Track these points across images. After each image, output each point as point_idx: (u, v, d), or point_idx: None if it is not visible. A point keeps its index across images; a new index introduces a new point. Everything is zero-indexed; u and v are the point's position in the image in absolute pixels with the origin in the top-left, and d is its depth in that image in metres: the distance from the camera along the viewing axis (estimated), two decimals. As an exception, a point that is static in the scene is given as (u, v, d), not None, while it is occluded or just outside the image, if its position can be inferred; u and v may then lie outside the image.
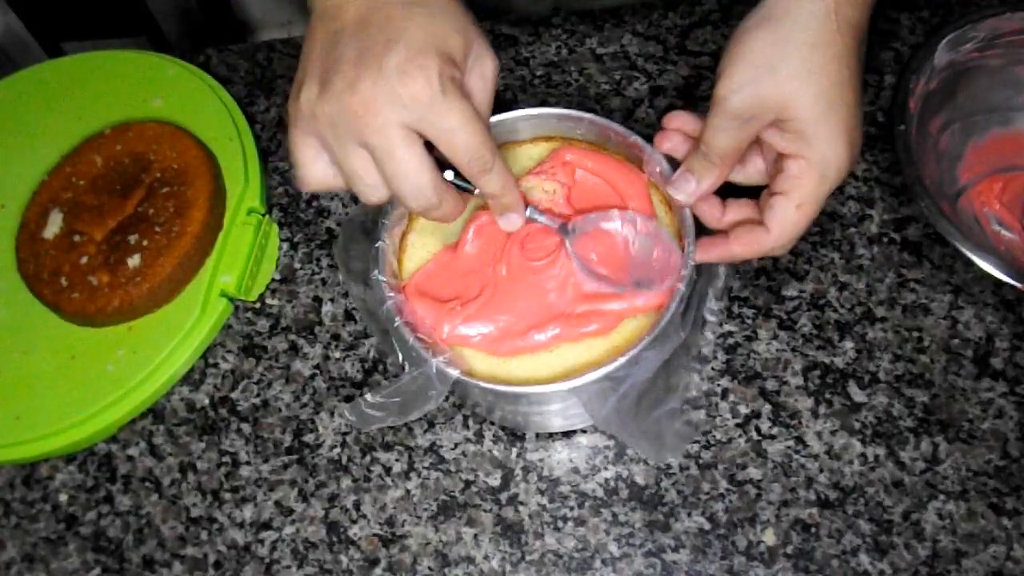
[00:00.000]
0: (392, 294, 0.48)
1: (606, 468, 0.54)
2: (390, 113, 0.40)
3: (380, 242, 0.50)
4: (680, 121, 0.49)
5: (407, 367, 0.48)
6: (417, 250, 0.52)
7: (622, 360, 0.44)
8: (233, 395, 0.59)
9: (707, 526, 0.52)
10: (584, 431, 0.55)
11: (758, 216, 0.47)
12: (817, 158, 0.44)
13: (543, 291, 0.49)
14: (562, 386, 0.44)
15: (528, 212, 0.49)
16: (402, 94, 0.40)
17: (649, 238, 0.49)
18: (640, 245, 0.49)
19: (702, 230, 0.48)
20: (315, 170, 0.44)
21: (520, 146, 0.55)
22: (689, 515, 0.52)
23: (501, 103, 0.66)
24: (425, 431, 0.56)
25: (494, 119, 0.52)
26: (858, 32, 0.44)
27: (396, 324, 0.47)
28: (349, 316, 0.60)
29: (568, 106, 0.66)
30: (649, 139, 0.51)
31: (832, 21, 0.43)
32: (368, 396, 0.48)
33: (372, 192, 0.43)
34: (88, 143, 0.65)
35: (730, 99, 0.43)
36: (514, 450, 0.55)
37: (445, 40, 0.42)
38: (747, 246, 0.46)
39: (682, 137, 0.49)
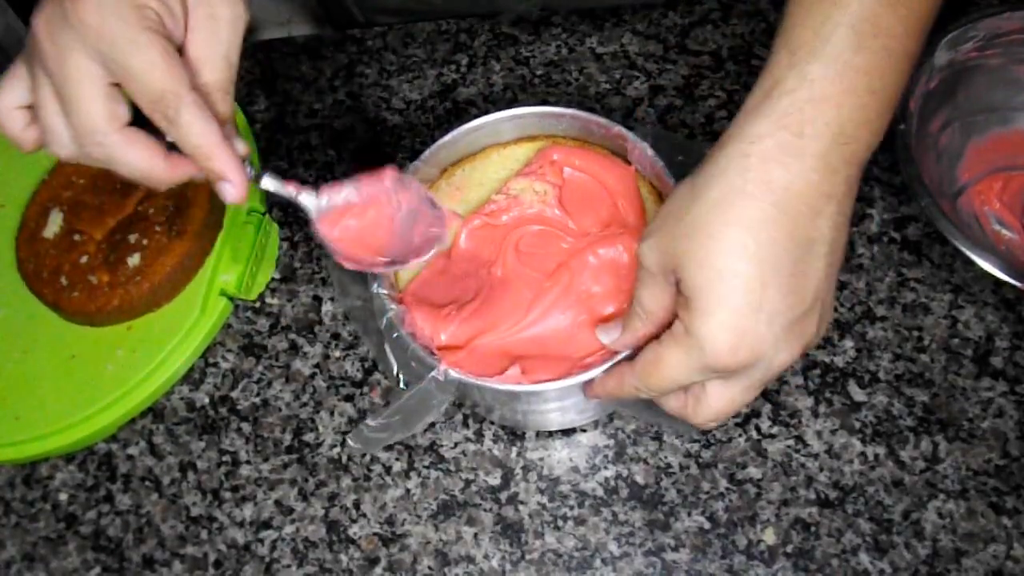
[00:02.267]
0: (393, 306, 0.47)
1: (606, 467, 0.54)
2: (65, 39, 0.36)
3: None
4: None
5: (402, 381, 0.47)
6: None
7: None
8: (233, 394, 0.59)
9: (707, 525, 0.52)
10: (583, 430, 0.55)
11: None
12: (693, 330, 0.37)
13: (540, 291, 0.49)
14: (572, 381, 0.44)
15: (264, 181, 0.43)
16: (72, 18, 0.36)
17: (413, 210, 0.45)
18: (403, 218, 0.46)
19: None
20: (6, 98, 0.40)
21: (505, 147, 0.54)
22: (689, 514, 0.52)
23: (501, 103, 0.67)
24: (425, 431, 0.56)
25: (476, 122, 0.52)
26: (795, 199, 0.36)
27: (396, 335, 0.46)
28: (349, 316, 0.60)
29: (568, 105, 0.66)
30: (631, 129, 0.51)
31: (748, 179, 0.36)
32: (369, 421, 0.47)
33: (57, 141, 0.39)
34: (88, 142, 0.65)
35: (640, 248, 0.39)
36: (514, 449, 0.55)
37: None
38: (615, 378, 0.42)
39: None
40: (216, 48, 0.39)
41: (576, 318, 0.48)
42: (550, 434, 0.55)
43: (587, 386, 0.44)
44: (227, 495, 0.56)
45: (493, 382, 0.45)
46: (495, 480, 0.54)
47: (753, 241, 0.35)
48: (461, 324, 0.48)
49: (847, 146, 0.36)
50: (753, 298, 0.35)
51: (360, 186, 0.44)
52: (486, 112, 0.68)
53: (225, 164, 0.39)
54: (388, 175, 0.45)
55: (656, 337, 0.40)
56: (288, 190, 0.43)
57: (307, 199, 0.44)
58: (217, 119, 0.39)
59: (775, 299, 0.36)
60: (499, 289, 0.49)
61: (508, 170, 0.54)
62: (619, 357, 0.44)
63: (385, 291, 0.47)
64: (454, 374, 0.45)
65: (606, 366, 0.44)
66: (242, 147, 0.41)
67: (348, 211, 0.44)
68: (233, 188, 0.40)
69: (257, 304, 0.62)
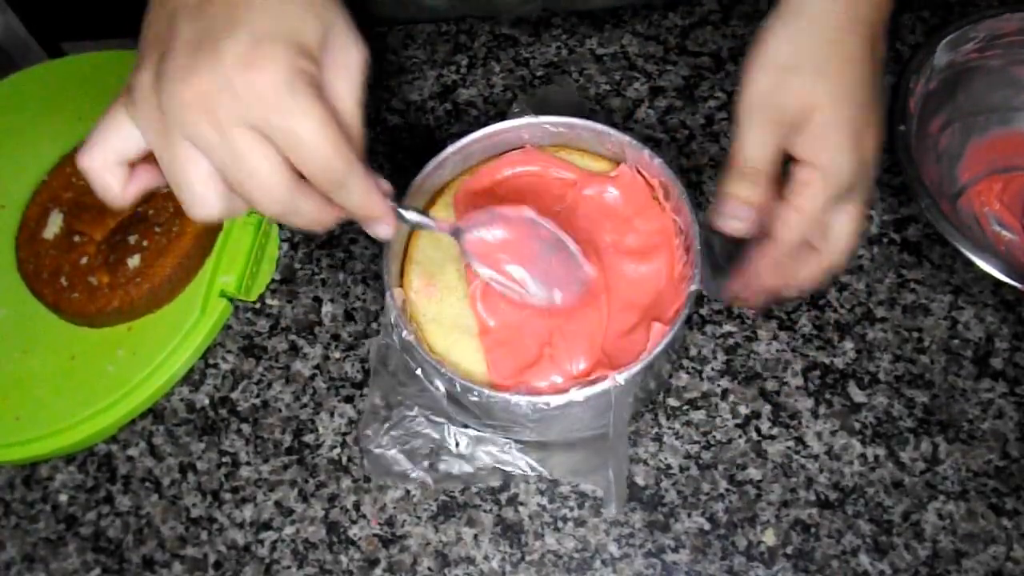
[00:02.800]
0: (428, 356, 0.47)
1: (606, 468, 0.54)
2: (230, 111, 0.34)
3: (391, 296, 0.49)
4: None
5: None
6: (422, 298, 0.52)
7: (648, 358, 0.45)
8: (233, 395, 0.59)
9: (707, 526, 0.52)
10: (584, 431, 0.55)
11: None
12: (824, 161, 0.42)
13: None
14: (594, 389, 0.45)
15: (413, 218, 0.44)
16: (242, 91, 0.34)
17: (550, 243, 0.48)
18: (541, 246, 0.48)
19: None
20: (105, 153, 0.38)
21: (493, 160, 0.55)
22: (689, 515, 0.52)
23: (502, 104, 0.67)
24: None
25: (471, 137, 0.52)
26: (875, 30, 0.43)
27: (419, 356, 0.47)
28: (349, 316, 0.60)
29: (571, 103, 0.66)
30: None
31: (846, 19, 0.42)
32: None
33: (202, 205, 0.37)
34: (88, 143, 0.65)
35: (758, 105, 0.43)
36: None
37: (298, 26, 0.36)
38: (766, 268, 0.45)
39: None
40: (352, 95, 0.39)
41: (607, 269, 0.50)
42: (550, 435, 0.55)
43: (729, 287, 0.47)
44: (227, 496, 0.56)
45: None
46: (495, 481, 0.54)
47: (862, 72, 0.42)
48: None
49: (872, 19, 0.43)
50: (866, 119, 0.43)
51: (501, 213, 0.47)
52: (486, 113, 0.68)
53: (380, 209, 0.40)
54: (526, 208, 0.47)
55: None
56: (428, 222, 0.45)
57: (453, 231, 0.46)
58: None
59: (874, 117, 0.43)
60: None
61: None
62: (651, 357, 0.45)
63: (410, 339, 0.47)
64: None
65: (639, 366, 0.45)
66: (386, 186, 0.42)
67: (495, 243, 0.47)
68: (387, 227, 0.42)
69: (257, 305, 0.62)
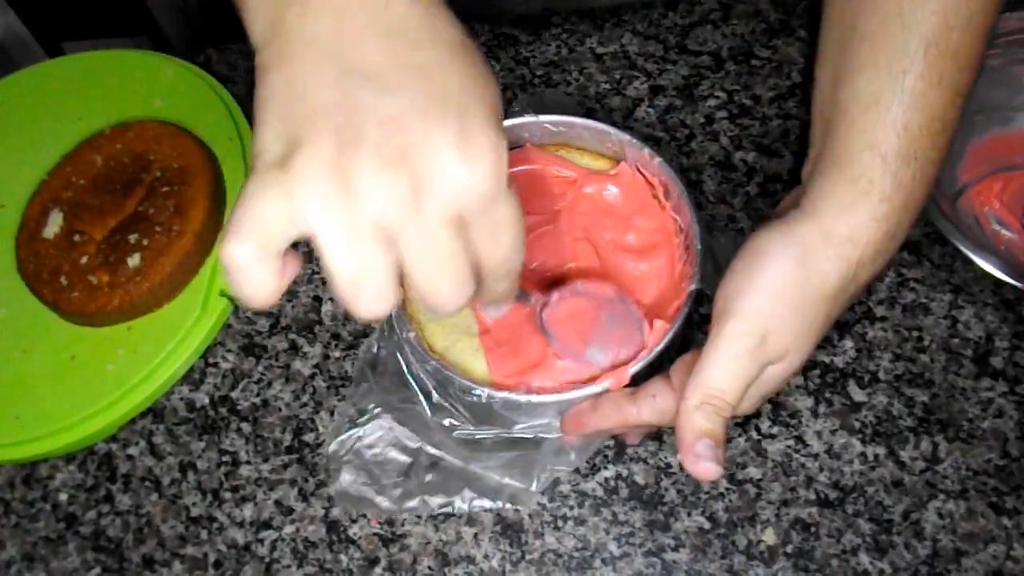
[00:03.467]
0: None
1: (606, 467, 0.54)
2: (442, 205, 0.30)
3: (407, 335, 0.49)
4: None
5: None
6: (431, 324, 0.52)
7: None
8: (233, 394, 0.59)
9: (707, 525, 0.52)
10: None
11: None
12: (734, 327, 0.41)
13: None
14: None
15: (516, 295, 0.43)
16: (465, 180, 0.30)
17: (619, 317, 0.49)
18: (608, 318, 0.49)
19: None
20: (258, 242, 0.30)
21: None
22: (689, 514, 0.52)
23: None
24: (425, 430, 0.56)
25: None
26: (847, 292, 0.42)
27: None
28: (349, 315, 0.60)
29: (568, 106, 0.66)
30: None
31: (857, 287, 0.42)
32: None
33: (375, 303, 0.32)
34: (88, 143, 0.65)
35: (742, 330, 0.41)
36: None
37: (498, 101, 0.32)
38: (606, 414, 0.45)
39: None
40: None
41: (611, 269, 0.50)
42: (550, 434, 0.55)
43: (568, 423, 0.46)
44: (227, 495, 0.56)
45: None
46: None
47: (822, 317, 0.41)
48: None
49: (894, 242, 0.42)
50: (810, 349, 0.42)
51: (585, 289, 0.49)
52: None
53: (512, 292, 0.38)
54: (609, 287, 0.49)
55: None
56: (527, 299, 0.47)
57: (540, 306, 0.48)
58: None
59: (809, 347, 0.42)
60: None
61: None
62: (600, 388, 0.45)
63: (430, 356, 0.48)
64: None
65: (641, 364, 0.45)
66: None
67: (568, 314, 0.49)
68: (506, 307, 0.42)
69: (257, 304, 0.62)
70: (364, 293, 0.31)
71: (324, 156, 0.30)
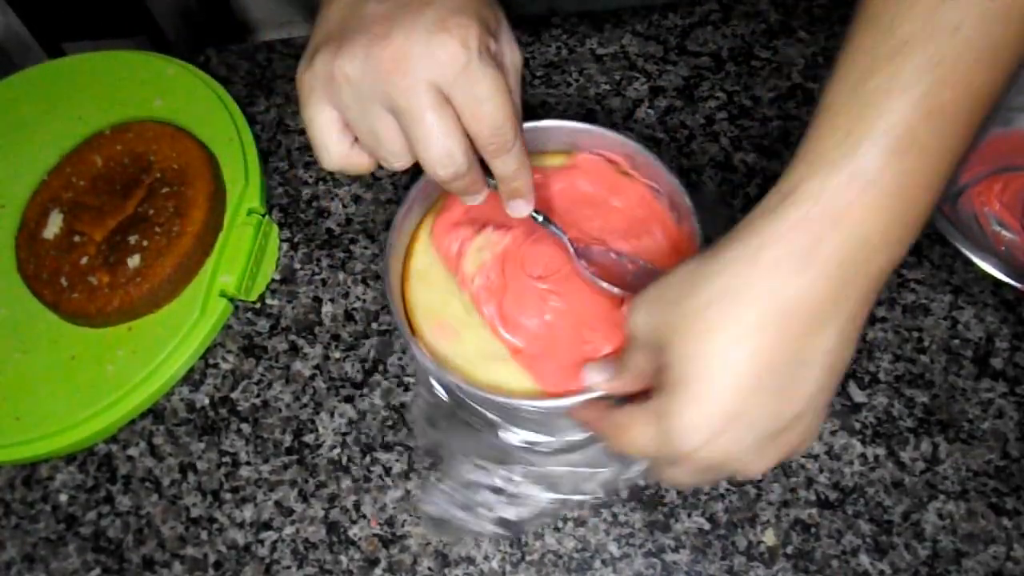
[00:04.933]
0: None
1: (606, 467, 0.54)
2: (422, 71, 0.37)
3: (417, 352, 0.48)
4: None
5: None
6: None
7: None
8: (233, 395, 0.59)
9: (707, 526, 0.52)
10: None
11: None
12: (664, 414, 0.36)
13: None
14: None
15: (540, 218, 0.48)
16: (437, 52, 0.37)
17: (639, 273, 0.49)
18: (633, 278, 0.49)
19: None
20: (339, 145, 0.42)
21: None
22: (689, 515, 0.52)
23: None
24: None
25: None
26: (794, 310, 0.34)
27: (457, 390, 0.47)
28: (349, 316, 0.60)
29: (567, 109, 0.66)
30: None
31: (753, 278, 0.34)
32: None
33: (396, 159, 0.41)
34: (88, 143, 0.65)
35: (632, 316, 0.39)
36: (514, 450, 0.55)
37: (484, 11, 0.39)
38: (594, 415, 0.42)
39: None
40: (516, 90, 0.42)
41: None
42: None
43: (572, 408, 0.45)
44: (227, 496, 0.56)
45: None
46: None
47: (748, 347, 0.34)
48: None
49: (868, 261, 0.34)
50: (736, 402, 0.34)
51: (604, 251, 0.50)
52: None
53: (527, 185, 0.44)
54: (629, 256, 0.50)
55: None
56: (554, 228, 0.48)
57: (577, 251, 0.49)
58: None
59: (759, 407, 0.35)
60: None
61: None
62: (595, 394, 0.44)
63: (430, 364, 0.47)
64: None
65: (584, 398, 0.44)
66: None
67: (595, 263, 0.49)
68: (527, 204, 0.45)
69: (257, 305, 0.62)
70: (383, 152, 0.41)
71: (328, 55, 0.39)
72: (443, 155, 0.40)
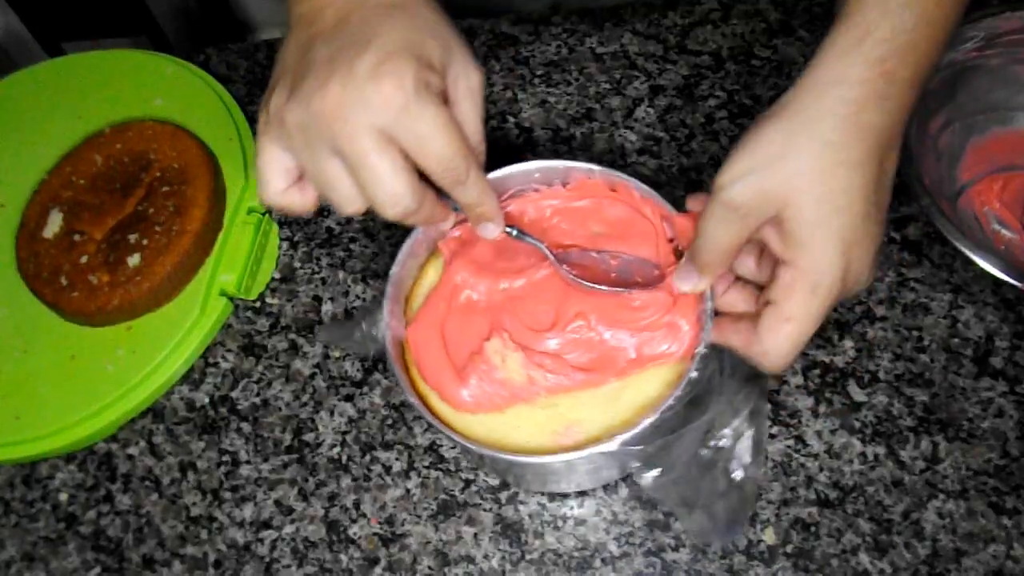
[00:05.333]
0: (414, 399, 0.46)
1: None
2: (360, 117, 0.38)
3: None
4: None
5: None
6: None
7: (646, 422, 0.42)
8: (233, 394, 0.59)
9: (707, 525, 0.51)
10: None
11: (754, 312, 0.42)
12: (809, 268, 0.39)
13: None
14: (596, 449, 0.43)
15: (514, 232, 0.47)
16: (372, 98, 0.38)
17: (625, 264, 0.49)
18: (621, 270, 0.49)
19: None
20: (278, 182, 0.43)
21: None
22: (689, 514, 0.52)
23: (502, 103, 0.67)
24: (424, 430, 0.56)
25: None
26: (883, 139, 0.39)
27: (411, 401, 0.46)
28: (349, 315, 0.60)
29: (567, 108, 0.66)
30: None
31: (851, 122, 0.38)
32: None
33: (348, 203, 0.42)
34: (88, 142, 0.65)
35: (729, 189, 0.39)
36: (514, 449, 0.55)
37: (422, 44, 0.40)
38: (744, 345, 0.42)
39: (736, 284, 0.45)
40: (475, 112, 0.43)
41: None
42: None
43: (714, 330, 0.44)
44: (227, 495, 0.56)
45: (529, 456, 0.44)
46: (495, 480, 0.54)
47: (862, 180, 0.38)
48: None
49: (921, 86, 0.40)
50: (860, 230, 0.39)
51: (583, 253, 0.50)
52: (486, 112, 0.68)
53: (492, 209, 0.45)
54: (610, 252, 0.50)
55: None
56: (532, 240, 0.48)
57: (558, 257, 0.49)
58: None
59: (872, 229, 0.40)
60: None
61: None
62: (661, 409, 0.43)
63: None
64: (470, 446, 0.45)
65: (647, 422, 0.42)
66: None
67: (578, 266, 0.49)
68: (496, 226, 0.46)
69: (257, 304, 0.62)
70: (335, 196, 0.42)
71: (281, 103, 0.40)
72: (390, 196, 0.40)
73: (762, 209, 0.39)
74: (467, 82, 0.43)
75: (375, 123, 0.39)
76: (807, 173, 0.38)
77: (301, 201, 0.44)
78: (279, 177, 0.43)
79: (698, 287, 0.44)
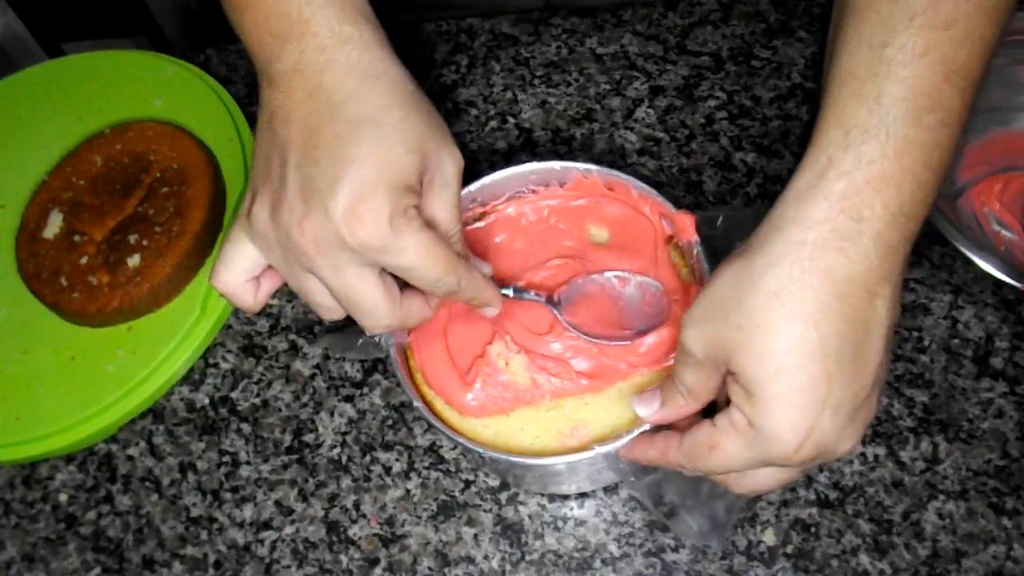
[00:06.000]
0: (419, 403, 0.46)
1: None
2: (341, 257, 0.38)
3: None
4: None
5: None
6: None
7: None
8: (233, 395, 0.59)
9: (707, 526, 0.51)
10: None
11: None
12: (755, 423, 0.36)
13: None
14: (589, 454, 0.43)
15: (511, 293, 0.47)
16: (351, 242, 0.37)
17: (632, 288, 0.48)
18: (628, 296, 0.49)
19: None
20: (236, 275, 0.42)
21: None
22: (689, 514, 0.52)
23: (502, 104, 0.67)
24: (425, 431, 0.56)
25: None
26: (852, 287, 0.34)
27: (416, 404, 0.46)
28: (350, 320, 0.60)
29: (567, 109, 0.66)
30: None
31: (805, 268, 0.34)
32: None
33: (327, 313, 0.42)
34: (88, 143, 0.65)
35: (683, 332, 0.38)
36: (514, 450, 0.55)
37: (397, 167, 0.38)
38: (657, 449, 0.41)
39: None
40: (449, 205, 0.42)
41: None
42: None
43: (624, 449, 0.43)
44: (227, 496, 0.56)
45: (524, 457, 0.44)
46: (495, 481, 0.54)
47: (815, 335, 0.34)
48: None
49: (906, 225, 0.35)
50: (819, 393, 0.34)
51: (586, 280, 0.49)
52: (486, 112, 0.68)
53: (489, 295, 0.45)
54: (612, 269, 0.49)
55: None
56: (532, 296, 0.48)
57: (550, 302, 0.48)
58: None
59: (839, 391, 0.35)
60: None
61: None
62: (643, 428, 0.43)
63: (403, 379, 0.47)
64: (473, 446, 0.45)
65: (636, 433, 0.42)
66: (487, 268, 0.46)
67: (583, 302, 0.49)
68: (495, 308, 0.46)
69: (257, 305, 0.62)
70: (316, 307, 0.42)
71: (263, 216, 0.40)
72: (372, 321, 0.41)
73: (715, 359, 0.37)
74: (442, 176, 0.41)
75: (357, 261, 0.38)
76: (748, 329, 0.35)
77: (249, 302, 0.44)
78: (239, 272, 0.42)
79: (651, 418, 0.42)
